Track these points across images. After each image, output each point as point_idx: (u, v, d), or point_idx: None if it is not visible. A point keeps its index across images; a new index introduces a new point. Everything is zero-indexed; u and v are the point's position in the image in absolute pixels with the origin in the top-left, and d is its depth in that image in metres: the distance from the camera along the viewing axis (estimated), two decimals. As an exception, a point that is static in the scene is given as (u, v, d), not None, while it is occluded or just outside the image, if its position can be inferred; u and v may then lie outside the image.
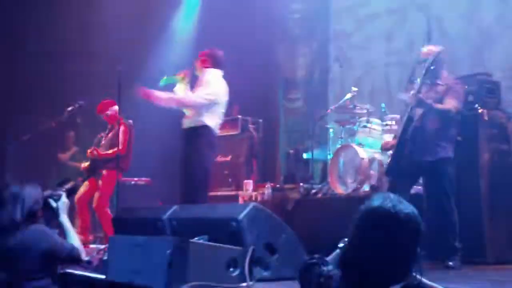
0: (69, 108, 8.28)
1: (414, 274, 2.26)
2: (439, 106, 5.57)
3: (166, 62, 10.05)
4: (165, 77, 6.72)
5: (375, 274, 2.20)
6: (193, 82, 6.72)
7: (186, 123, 6.61)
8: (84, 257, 4.21)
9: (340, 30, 10.81)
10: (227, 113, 9.28)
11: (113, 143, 7.88)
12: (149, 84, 6.86)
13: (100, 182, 7.81)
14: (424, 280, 2.33)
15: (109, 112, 7.99)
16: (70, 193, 4.49)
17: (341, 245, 2.46)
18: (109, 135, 7.96)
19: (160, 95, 6.59)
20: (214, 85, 6.65)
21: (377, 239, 2.21)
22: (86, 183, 7.87)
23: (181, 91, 6.64)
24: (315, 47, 11.02)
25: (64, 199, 4.29)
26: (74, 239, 4.17)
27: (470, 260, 5.64)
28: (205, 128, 6.56)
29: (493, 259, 5.64)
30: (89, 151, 7.90)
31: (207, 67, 6.77)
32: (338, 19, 10.90)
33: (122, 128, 7.90)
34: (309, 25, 10.99)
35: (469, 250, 5.73)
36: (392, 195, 2.30)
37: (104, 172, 7.83)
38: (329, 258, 2.47)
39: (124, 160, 7.90)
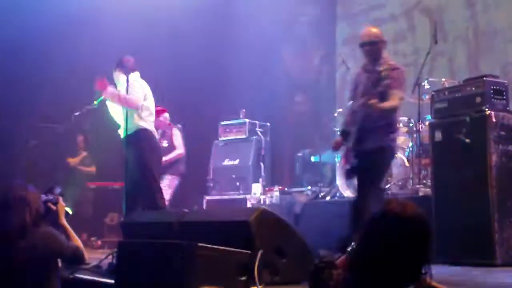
0: (77, 113, 8.32)
1: (424, 276, 2.26)
2: (385, 105, 5.49)
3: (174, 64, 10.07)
4: (94, 100, 6.87)
5: (385, 277, 2.20)
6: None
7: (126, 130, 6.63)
8: (86, 258, 4.27)
9: (348, 33, 10.81)
10: (234, 117, 9.37)
11: (168, 147, 8.44)
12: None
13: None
14: (434, 282, 2.33)
15: (161, 119, 8.41)
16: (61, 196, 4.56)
17: (349, 248, 2.46)
18: (162, 140, 8.42)
19: (112, 90, 6.70)
20: (139, 89, 6.77)
21: (386, 242, 2.21)
22: None
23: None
24: (322, 50, 11.03)
25: (61, 202, 4.36)
26: (76, 240, 4.25)
27: (479, 262, 5.63)
28: (145, 131, 6.71)
29: (502, 261, 5.61)
30: None
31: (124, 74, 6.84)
32: (346, 23, 10.90)
33: (176, 132, 8.58)
34: (316, 29, 10.99)
35: (478, 252, 5.73)
36: (399, 198, 2.30)
37: (167, 177, 8.32)
38: (338, 261, 2.48)
39: (182, 163, 8.49)
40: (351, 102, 6.01)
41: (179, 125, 8.71)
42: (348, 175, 5.92)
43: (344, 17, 10.83)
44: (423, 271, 2.26)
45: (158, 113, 8.31)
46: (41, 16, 9.49)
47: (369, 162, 5.57)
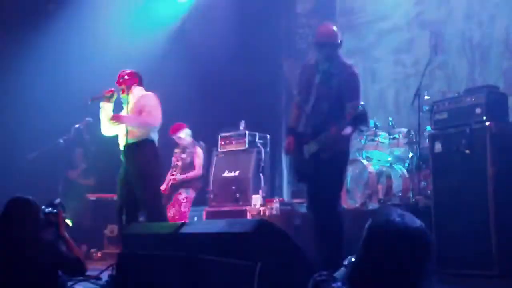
0: (77, 125, 8.35)
1: None
2: (348, 131, 5.24)
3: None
4: (91, 99, 6.91)
5: None
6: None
7: (130, 139, 6.63)
8: (86, 268, 4.28)
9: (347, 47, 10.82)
10: (234, 129, 9.37)
11: (188, 163, 8.71)
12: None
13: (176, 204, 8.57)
14: None
15: (182, 135, 8.73)
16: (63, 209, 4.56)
17: (346, 262, 2.44)
18: (183, 156, 8.73)
19: (128, 117, 6.69)
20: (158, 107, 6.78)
21: (385, 255, 2.18)
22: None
23: (108, 109, 6.80)
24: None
25: (62, 214, 4.37)
26: (77, 251, 4.25)
27: (477, 272, 5.62)
28: (151, 141, 6.67)
29: (501, 272, 5.61)
30: (172, 177, 8.67)
31: (135, 85, 6.88)
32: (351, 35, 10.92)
33: (199, 151, 8.78)
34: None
35: (477, 263, 5.72)
36: (399, 210, 2.28)
37: (183, 190, 8.61)
38: (337, 275, 2.46)
39: (199, 180, 8.78)
40: (301, 101, 5.71)
41: (201, 143, 8.92)
42: (299, 178, 5.83)
43: (347, 28, 10.83)
44: (423, 284, 2.24)
45: (178, 128, 8.77)
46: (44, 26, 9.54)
47: (330, 169, 5.40)
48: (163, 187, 8.65)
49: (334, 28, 5.58)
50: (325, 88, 5.45)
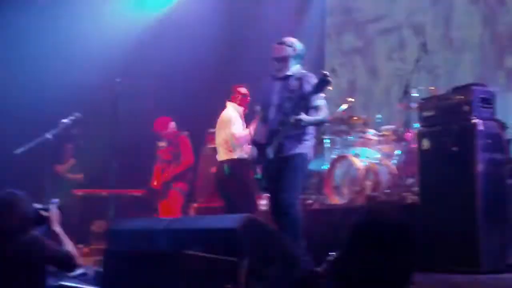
0: (65, 120, 8.30)
1: (407, 285, 2.25)
2: (317, 118, 5.72)
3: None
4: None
5: (369, 286, 2.19)
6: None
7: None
8: (80, 262, 4.25)
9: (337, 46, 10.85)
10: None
11: (177, 156, 8.70)
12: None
13: (169, 198, 8.63)
14: None
15: (168, 130, 8.74)
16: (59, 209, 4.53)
17: (329, 258, 2.44)
18: (171, 149, 8.75)
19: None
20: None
21: (369, 251, 2.19)
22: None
23: None
24: (311, 57, 11.03)
25: (54, 209, 4.34)
26: (69, 245, 4.22)
27: (464, 269, 5.64)
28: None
29: (487, 269, 5.63)
30: (166, 175, 8.68)
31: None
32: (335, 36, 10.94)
33: (184, 140, 8.75)
34: (304, 36, 10.99)
35: (464, 260, 5.75)
36: (382, 206, 2.29)
37: (177, 186, 8.67)
38: (322, 271, 2.47)
39: (191, 171, 8.78)
40: (264, 110, 6.02)
41: (186, 132, 8.89)
42: (261, 185, 5.95)
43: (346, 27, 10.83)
44: (406, 280, 2.24)
45: (165, 123, 8.77)
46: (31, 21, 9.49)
47: (292, 169, 5.67)
48: (154, 183, 8.66)
49: (297, 41, 6.02)
50: (285, 92, 5.80)
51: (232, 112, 7.41)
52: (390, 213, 2.25)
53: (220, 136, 7.44)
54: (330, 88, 5.74)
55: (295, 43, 5.98)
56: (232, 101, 7.52)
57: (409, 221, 2.29)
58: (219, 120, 7.58)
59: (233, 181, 7.16)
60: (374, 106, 9.72)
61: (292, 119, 5.51)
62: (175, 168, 8.68)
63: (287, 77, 5.85)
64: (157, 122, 8.77)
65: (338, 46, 10.84)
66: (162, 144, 8.88)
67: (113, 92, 7.18)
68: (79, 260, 4.30)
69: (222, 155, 7.37)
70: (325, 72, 5.54)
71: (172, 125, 8.80)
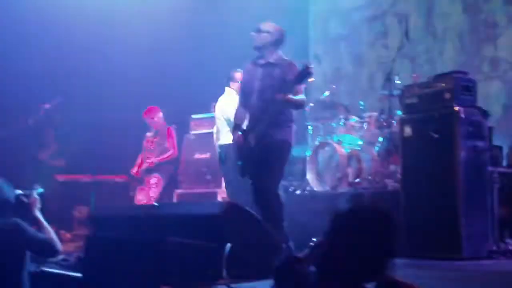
0: (47, 105, 8.26)
1: (388, 272, 2.27)
2: (298, 99, 5.67)
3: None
4: None
5: (349, 272, 2.21)
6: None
7: None
8: (60, 248, 4.24)
9: (322, 33, 10.84)
10: (205, 111, 9.36)
11: (163, 147, 8.77)
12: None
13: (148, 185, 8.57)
14: (398, 278, 2.34)
15: (155, 119, 8.81)
16: (41, 195, 4.51)
17: (311, 244, 2.46)
18: (157, 139, 8.82)
19: None
20: None
21: (352, 237, 2.22)
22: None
23: None
24: (295, 44, 11.01)
25: (35, 195, 4.32)
26: (49, 232, 4.21)
27: (446, 256, 5.69)
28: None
29: (468, 255, 5.69)
30: (149, 161, 8.69)
31: None
32: (321, 23, 10.92)
33: (170, 133, 8.86)
34: (288, 24, 10.96)
35: (445, 246, 5.79)
36: (365, 194, 2.31)
37: (156, 175, 8.61)
38: (304, 256, 2.47)
39: (172, 163, 8.86)
40: (246, 97, 5.99)
41: (173, 125, 8.96)
42: (243, 171, 5.95)
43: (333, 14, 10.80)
44: (386, 266, 2.26)
45: (153, 111, 8.83)
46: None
47: (274, 155, 5.67)
48: (134, 170, 8.66)
49: (270, 24, 5.92)
50: (268, 79, 5.78)
51: (231, 97, 7.37)
52: (371, 201, 2.26)
53: (220, 120, 7.43)
54: (311, 79, 5.74)
55: (273, 29, 5.91)
56: (231, 87, 7.50)
57: (390, 208, 2.30)
58: (218, 105, 7.57)
59: (229, 165, 7.11)
60: (359, 93, 9.72)
61: (275, 97, 5.50)
62: (159, 156, 8.68)
63: (269, 64, 5.83)
64: (148, 110, 8.85)
65: (323, 33, 10.82)
66: (149, 134, 8.92)
67: (96, 78, 7.11)
68: (60, 246, 4.28)
69: (222, 140, 7.32)
70: (307, 63, 5.52)
71: (160, 115, 8.87)
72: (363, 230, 2.23)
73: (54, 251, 4.25)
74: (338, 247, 2.24)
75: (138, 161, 8.80)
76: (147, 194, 8.50)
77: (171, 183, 9.14)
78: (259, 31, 5.87)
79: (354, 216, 2.26)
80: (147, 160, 8.66)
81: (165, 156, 8.74)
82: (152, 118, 8.83)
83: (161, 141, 8.83)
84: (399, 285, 2.33)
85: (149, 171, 8.66)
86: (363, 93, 9.56)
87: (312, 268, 2.35)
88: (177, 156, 8.90)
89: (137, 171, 8.69)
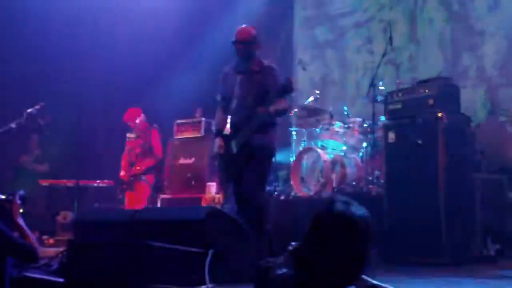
0: (29, 110, 8.20)
1: (366, 276, 2.28)
2: (278, 108, 5.59)
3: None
4: None
5: (327, 276, 2.22)
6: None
7: None
8: (40, 255, 4.21)
9: (310, 38, 10.86)
10: (190, 116, 9.34)
11: (147, 148, 8.63)
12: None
13: (137, 189, 8.50)
14: (377, 282, 2.36)
15: (137, 121, 8.61)
16: (23, 200, 4.48)
17: (290, 247, 2.46)
18: (140, 141, 8.65)
19: None
20: None
21: (329, 242, 2.22)
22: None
23: None
24: (278, 50, 11.04)
25: (17, 200, 4.29)
26: (30, 238, 4.18)
27: (427, 260, 5.72)
28: None
29: (450, 260, 5.72)
30: (137, 168, 8.56)
31: None
32: (308, 28, 10.94)
33: (154, 134, 8.69)
34: (272, 30, 11.00)
35: (427, 251, 5.83)
36: (344, 198, 2.32)
37: (144, 180, 8.56)
38: (282, 261, 2.47)
39: (159, 165, 8.78)
40: (226, 103, 5.94)
41: (156, 125, 8.82)
42: (226, 177, 5.95)
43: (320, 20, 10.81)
44: (362, 271, 2.27)
45: (134, 114, 8.67)
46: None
47: (257, 161, 5.64)
48: (122, 174, 8.61)
49: (253, 29, 5.83)
50: (248, 84, 5.71)
51: None
52: (349, 205, 2.27)
53: None
54: (292, 94, 5.75)
55: (254, 36, 5.80)
56: None
57: (369, 214, 2.30)
58: None
59: None
60: (348, 99, 9.73)
61: (257, 110, 5.48)
62: (148, 161, 8.65)
63: (250, 69, 5.77)
64: (129, 113, 8.66)
65: (310, 39, 10.84)
66: (131, 135, 8.79)
67: (79, 82, 7.07)
68: (40, 252, 4.25)
69: None
70: (290, 78, 5.50)
71: (143, 117, 8.74)
72: (341, 234, 2.23)
73: (33, 258, 4.22)
74: (316, 252, 2.24)
75: (123, 163, 8.72)
76: (139, 198, 8.48)
77: (155, 188, 9.12)
78: (244, 42, 5.73)
79: (334, 220, 2.26)
80: (137, 167, 8.59)
81: (152, 161, 8.66)
82: (134, 121, 8.69)
83: (145, 143, 8.71)
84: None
85: (136, 176, 8.60)
86: (352, 99, 9.57)
87: (290, 273, 2.34)
88: (162, 158, 8.84)
89: (124, 175, 8.64)
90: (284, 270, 2.37)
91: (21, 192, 4.44)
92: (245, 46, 5.71)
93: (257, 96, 5.58)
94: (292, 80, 5.42)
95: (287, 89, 5.41)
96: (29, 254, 4.12)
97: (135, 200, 8.45)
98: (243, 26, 5.89)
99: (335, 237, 2.22)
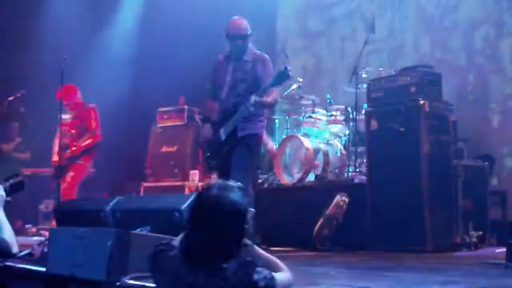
0: (10, 98, 8.13)
1: (245, 247, 2.56)
2: (270, 100, 5.63)
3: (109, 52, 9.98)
4: None
5: (206, 255, 2.44)
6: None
7: None
8: (16, 250, 4.18)
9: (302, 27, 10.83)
10: (173, 104, 9.31)
11: (84, 130, 7.92)
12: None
13: (72, 172, 7.83)
14: (257, 250, 2.69)
15: (74, 100, 7.91)
16: (15, 188, 4.44)
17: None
18: (77, 122, 7.94)
19: None
20: None
21: (206, 224, 2.47)
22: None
23: None
24: (261, 38, 11.00)
25: (1, 192, 4.25)
26: (6, 232, 4.13)
27: (410, 248, 5.75)
28: None
29: (433, 247, 5.76)
30: (73, 149, 7.81)
31: None
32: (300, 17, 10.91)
33: (92, 113, 7.96)
34: (255, 17, 10.95)
35: (409, 238, 5.86)
36: (221, 182, 2.57)
37: (80, 162, 7.89)
38: (175, 242, 2.63)
39: (98, 146, 8.07)
40: (216, 90, 5.97)
41: (93, 104, 8.11)
42: (210, 164, 5.98)
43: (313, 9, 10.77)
44: (239, 249, 2.51)
45: (71, 92, 7.83)
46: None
47: (245, 149, 5.68)
48: (55, 158, 7.95)
49: (245, 21, 5.86)
50: (240, 73, 5.77)
51: None
52: (225, 191, 2.51)
53: None
54: (289, 81, 5.77)
55: (248, 29, 5.83)
56: None
57: (244, 200, 2.56)
58: None
59: None
60: (335, 87, 9.71)
61: (247, 102, 5.49)
62: (86, 140, 7.92)
63: (241, 58, 5.81)
64: (66, 91, 7.62)
65: (302, 28, 10.81)
66: (66, 117, 7.80)
67: (60, 69, 6.98)
68: (17, 248, 4.22)
69: None
70: (286, 65, 5.51)
71: (79, 95, 8.02)
72: (216, 217, 2.47)
73: (6, 252, 4.18)
74: (196, 233, 2.48)
75: (56, 148, 7.90)
76: (72, 181, 7.85)
77: (137, 176, 9.08)
78: (242, 37, 5.78)
79: (207, 205, 2.50)
80: (73, 148, 7.82)
81: (90, 140, 7.91)
82: (71, 100, 7.86)
83: (82, 123, 7.96)
84: (256, 258, 2.58)
85: (73, 158, 7.85)
86: (339, 87, 9.54)
87: (179, 254, 2.54)
88: (101, 138, 8.05)
89: (57, 160, 7.74)
90: (175, 251, 2.57)
91: (13, 181, 4.40)
92: (244, 40, 5.78)
93: (249, 84, 5.62)
94: (289, 68, 5.43)
95: (283, 76, 5.42)
96: (4, 249, 4.08)
97: (67, 184, 7.76)
98: (235, 18, 5.92)
99: (210, 220, 2.47)
